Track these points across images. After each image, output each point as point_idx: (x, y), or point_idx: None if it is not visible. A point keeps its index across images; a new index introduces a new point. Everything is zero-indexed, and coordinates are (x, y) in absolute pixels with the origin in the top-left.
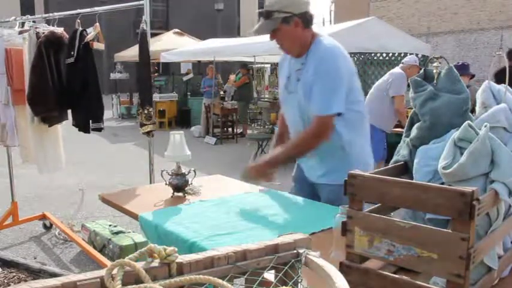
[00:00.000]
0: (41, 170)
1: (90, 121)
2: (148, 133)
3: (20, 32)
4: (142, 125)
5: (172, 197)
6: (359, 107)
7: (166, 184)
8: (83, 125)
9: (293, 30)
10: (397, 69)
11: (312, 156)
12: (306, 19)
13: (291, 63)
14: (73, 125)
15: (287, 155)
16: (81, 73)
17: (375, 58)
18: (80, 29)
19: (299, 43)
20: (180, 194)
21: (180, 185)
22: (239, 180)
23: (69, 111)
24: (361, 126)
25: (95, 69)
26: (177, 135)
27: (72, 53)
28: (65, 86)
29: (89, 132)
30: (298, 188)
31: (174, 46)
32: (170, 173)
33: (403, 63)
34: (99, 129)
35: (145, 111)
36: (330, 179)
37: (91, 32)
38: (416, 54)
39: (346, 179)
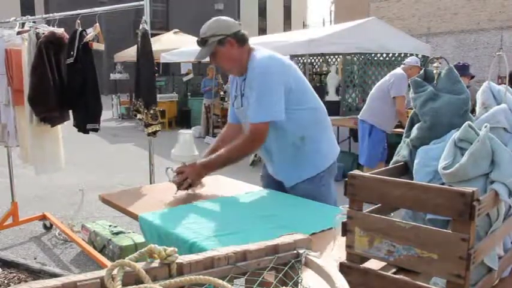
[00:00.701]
0: (37, 171)
1: (87, 121)
2: (154, 133)
3: (19, 33)
4: (148, 125)
5: (175, 195)
6: (310, 104)
7: (169, 181)
8: (82, 126)
9: (229, 50)
10: (398, 70)
11: (268, 160)
12: (239, 38)
13: (238, 82)
14: (73, 125)
15: (225, 159)
16: (80, 73)
17: (375, 58)
18: (80, 29)
19: (237, 62)
20: (183, 192)
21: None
22: (238, 180)
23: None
24: (316, 120)
25: (94, 69)
26: (186, 135)
27: (72, 53)
28: (65, 86)
29: (87, 133)
30: (265, 186)
31: (174, 46)
32: (174, 170)
33: (404, 64)
34: (95, 130)
35: (151, 111)
36: (293, 179)
37: (91, 33)
38: (417, 55)
39: (347, 179)
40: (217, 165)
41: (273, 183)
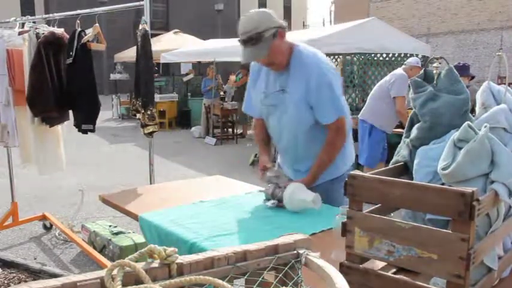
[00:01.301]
0: (40, 171)
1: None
2: (150, 133)
3: (20, 33)
4: (144, 125)
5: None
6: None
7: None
8: (80, 126)
9: (281, 42)
10: (399, 70)
11: (292, 159)
12: (284, 28)
13: (270, 77)
14: (74, 125)
15: (328, 163)
16: (80, 73)
17: (375, 59)
18: (79, 29)
19: (285, 54)
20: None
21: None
22: (238, 181)
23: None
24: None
25: (92, 70)
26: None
27: (71, 53)
28: (65, 87)
29: (86, 133)
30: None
31: (174, 47)
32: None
33: (405, 64)
34: (90, 131)
35: (148, 112)
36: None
37: (89, 33)
38: (417, 55)
39: (347, 179)
40: (322, 172)
41: None
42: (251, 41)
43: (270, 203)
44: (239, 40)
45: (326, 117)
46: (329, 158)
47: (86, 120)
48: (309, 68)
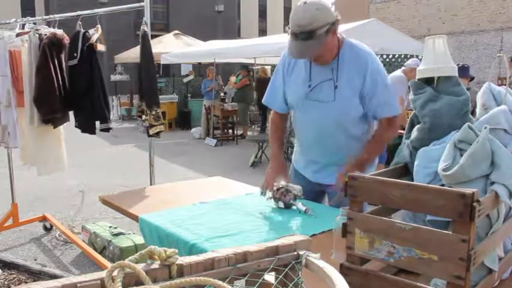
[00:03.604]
0: (40, 172)
1: (98, 122)
2: (157, 134)
3: (18, 35)
4: (151, 126)
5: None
6: None
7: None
8: (88, 126)
9: (332, 39)
10: (397, 72)
11: (318, 156)
12: (337, 23)
13: (313, 69)
14: (76, 126)
15: (371, 155)
16: (86, 74)
17: None
18: (83, 30)
19: (334, 49)
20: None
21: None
22: (238, 181)
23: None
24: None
25: (100, 70)
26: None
27: (75, 54)
28: (68, 88)
29: (94, 133)
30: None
31: (174, 48)
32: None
33: (405, 66)
34: (108, 130)
35: (153, 112)
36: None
37: (94, 34)
38: (417, 56)
39: (347, 180)
40: (368, 163)
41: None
42: (302, 35)
43: (279, 204)
44: (289, 32)
45: (385, 112)
46: (376, 152)
47: (102, 120)
48: (363, 61)
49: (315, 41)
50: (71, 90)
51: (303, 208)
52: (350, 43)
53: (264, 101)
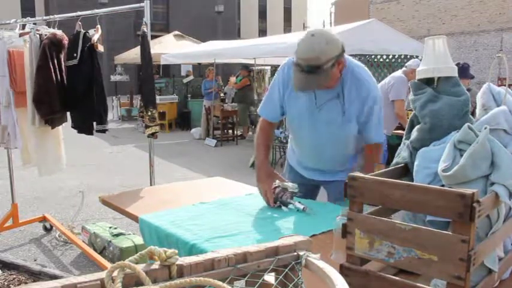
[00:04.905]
0: (41, 173)
1: (94, 123)
2: (153, 134)
3: (21, 35)
4: (146, 126)
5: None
6: None
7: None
8: (85, 127)
9: (337, 70)
10: (398, 73)
11: (315, 164)
12: (344, 53)
13: (316, 93)
14: (72, 127)
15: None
16: (86, 75)
17: (375, 60)
18: (83, 31)
19: (339, 75)
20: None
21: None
22: (238, 182)
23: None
24: None
25: (100, 71)
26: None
27: (75, 55)
28: (69, 88)
29: (92, 134)
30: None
31: (174, 48)
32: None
33: (405, 67)
34: (104, 131)
35: (149, 113)
36: (337, 177)
37: (94, 34)
38: (417, 56)
39: (347, 181)
40: None
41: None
42: (308, 68)
43: (277, 204)
44: (296, 64)
45: (376, 137)
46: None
47: (99, 121)
48: (365, 87)
49: (322, 75)
50: (70, 90)
51: (301, 207)
52: (352, 67)
53: (259, 111)
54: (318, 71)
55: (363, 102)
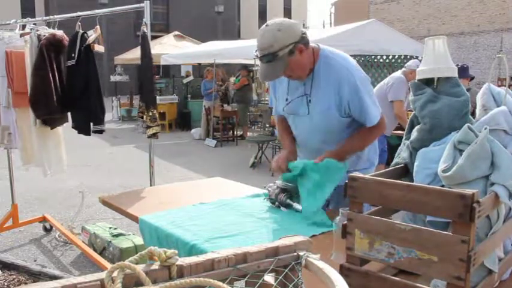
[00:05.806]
0: (45, 173)
1: (91, 123)
2: (154, 135)
3: (21, 35)
4: (148, 127)
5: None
6: None
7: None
8: (84, 127)
9: (299, 58)
10: (397, 73)
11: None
12: (306, 41)
13: (291, 83)
14: (72, 127)
15: (352, 148)
16: (82, 75)
17: (375, 60)
18: (81, 31)
19: (307, 66)
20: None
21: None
22: (238, 182)
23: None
24: None
25: (96, 71)
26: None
27: (73, 55)
28: (66, 88)
29: (89, 135)
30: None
31: (174, 48)
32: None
33: (405, 67)
34: (101, 132)
35: (150, 114)
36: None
37: (92, 35)
38: (417, 57)
39: (347, 181)
40: (347, 154)
41: None
42: (266, 58)
43: (276, 204)
44: (256, 55)
45: (371, 120)
46: (361, 145)
47: (96, 122)
48: (338, 74)
49: (278, 63)
50: (69, 90)
51: (300, 207)
52: (325, 55)
53: (273, 109)
54: (274, 59)
55: (338, 89)
